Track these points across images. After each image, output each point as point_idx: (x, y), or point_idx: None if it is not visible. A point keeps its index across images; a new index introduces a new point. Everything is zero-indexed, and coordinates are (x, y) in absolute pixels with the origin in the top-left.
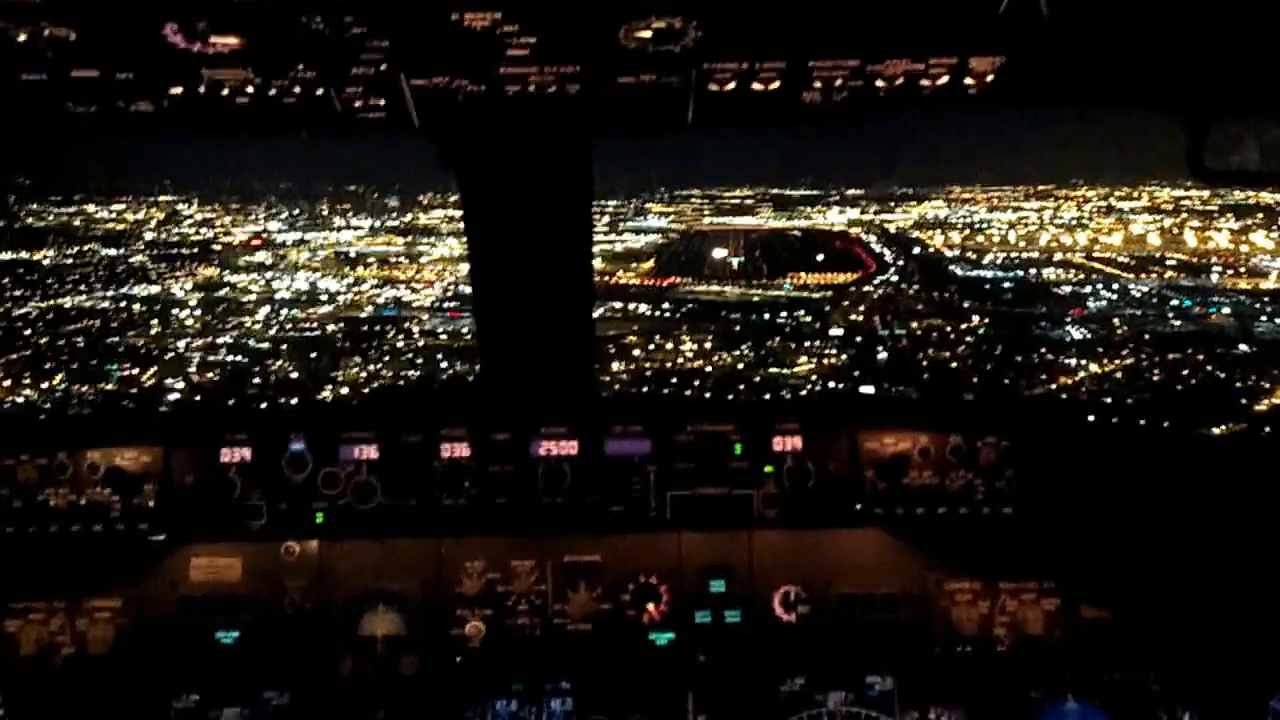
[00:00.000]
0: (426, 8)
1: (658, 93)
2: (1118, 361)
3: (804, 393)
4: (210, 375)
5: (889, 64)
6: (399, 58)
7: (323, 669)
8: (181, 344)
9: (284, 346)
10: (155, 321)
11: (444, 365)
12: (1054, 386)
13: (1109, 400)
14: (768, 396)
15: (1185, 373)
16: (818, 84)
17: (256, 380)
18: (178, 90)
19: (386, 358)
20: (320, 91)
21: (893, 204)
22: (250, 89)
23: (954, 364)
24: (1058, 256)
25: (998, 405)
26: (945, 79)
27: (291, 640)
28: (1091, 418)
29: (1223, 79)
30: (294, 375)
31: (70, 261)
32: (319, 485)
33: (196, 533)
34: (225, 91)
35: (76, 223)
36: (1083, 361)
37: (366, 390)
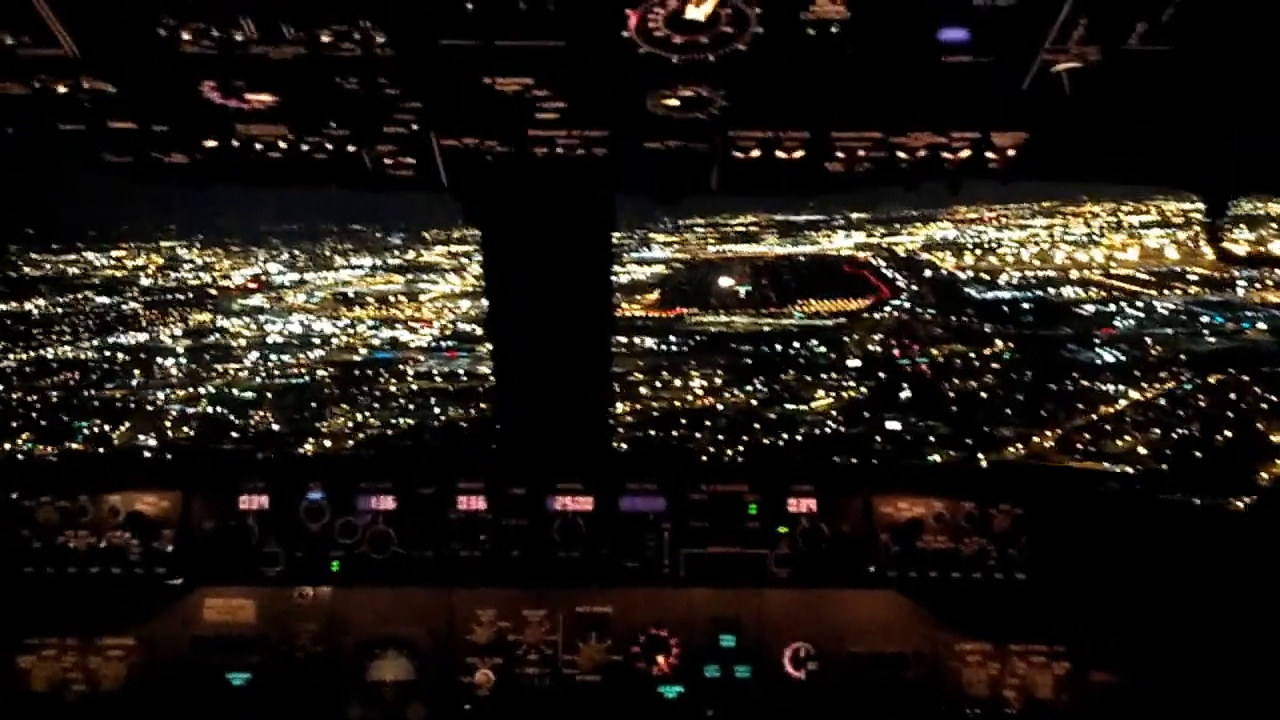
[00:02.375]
0: (459, 71)
1: (683, 157)
2: (1158, 386)
3: (821, 432)
4: (186, 430)
5: (912, 136)
6: (430, 118)
7: (332, 713)
8: (161, 395)
9: (269, 395)
10: (138, 372)
11: (437, 411)
12: (1095, 417)
13: (1157, 431)
14: (783, 440)
15: (1233, 396)
16: (840, 154)
17: (234, 434)
18: (212, 143)
19: (376, 405)
20: (351, 149)
21: (898, 226)
22: (283, 144)
23: (983, 394)
24: (1074, 274)
25: (1012, 473)
26: (967, 153)
27: (301, 683)
28: (1104, 486)
29: (1242, 159)
30: (275, 427)
31: (60, 311)
32: (335, 534)
33: (213, 578)
34: (258, 146)
35: (73, 271)
36: (1121, 387)
37: (352, 442)
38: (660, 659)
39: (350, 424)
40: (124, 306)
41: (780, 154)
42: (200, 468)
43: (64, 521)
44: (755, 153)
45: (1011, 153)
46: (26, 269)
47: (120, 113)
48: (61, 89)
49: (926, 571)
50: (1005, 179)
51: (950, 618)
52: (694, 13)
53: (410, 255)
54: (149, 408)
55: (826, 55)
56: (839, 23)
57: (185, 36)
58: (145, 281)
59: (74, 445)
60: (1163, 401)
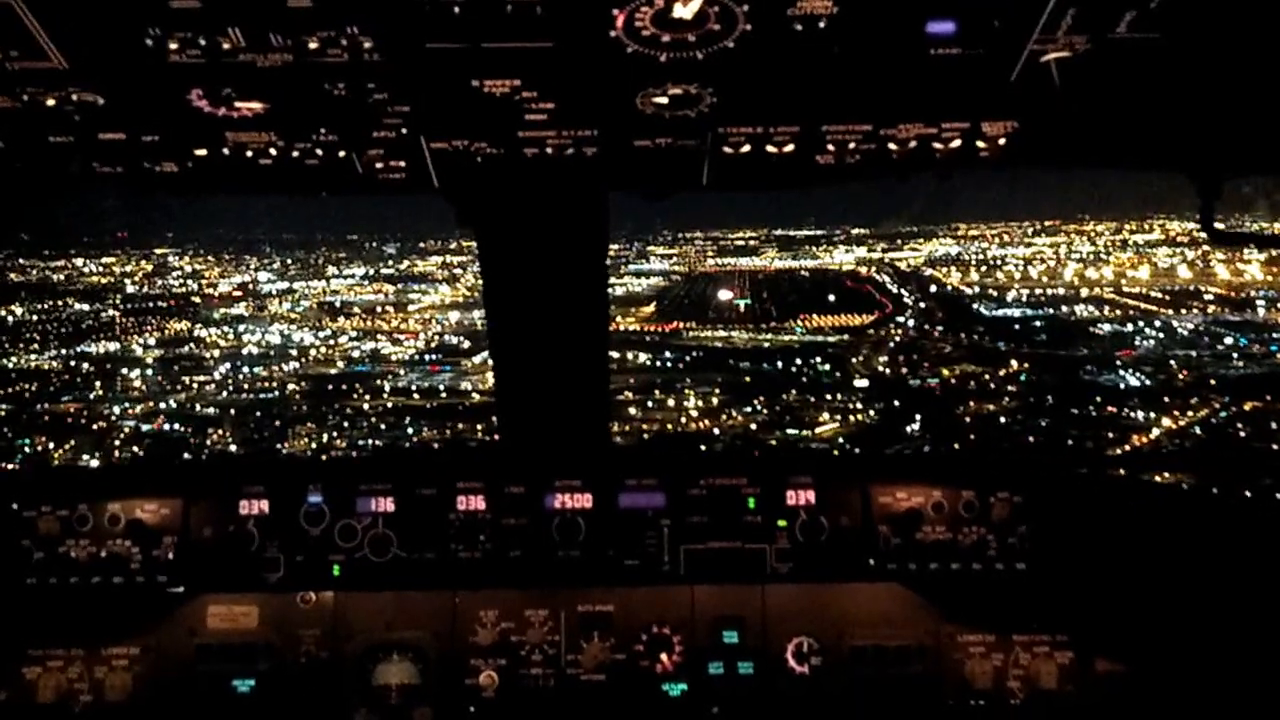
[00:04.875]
0: (447, 75)
1: (673, 154)
2: (1190, 414)
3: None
4: (135, 449)
5: (902, 129)
6: (419, 122)
7: (338, 718)
8: (117, 410)
9: (231, 412)
10: (99, 384)
11: (410, 432)
12: (1127, 448)
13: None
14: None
15: (1275, 426)
16: (831, 147)
17: (186, 456)
18: (202, 152)
19: (345, 424)
20: (342, 154)
21: (900, 242)
22: (273, 151)
23: (1001, 418)
24: (1085, 292)
25: (1009, 461)
26: (958, 142)
27: (306, 689)
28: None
29: (1233, 142)
30: (232, 448)
31: (36, 318)
32: (336, 538)
33: (215, 585)
34: (249, 154)
35: (58, 277)
36: (1152, 414)
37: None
38: (664, 657)
39: (314, 446)
40: (102, 314)
41: (771, 148)
42: (201, 473)
43: (65, 531)
44: (746, 148)
45: (1002, 141)
46: (12, 274)
47: (110, 123)
48: (50, 101)
49: (927, 563)
50: (997, 167)
51: (952, 609)
52: (681, 11)
53: (404, 265)
54: (101, 424)
55: (814, 51)
56: (826, 18)
57: (173, 46)
58: (130, 289)
59: (10, 465)
60: (1199, 430)
